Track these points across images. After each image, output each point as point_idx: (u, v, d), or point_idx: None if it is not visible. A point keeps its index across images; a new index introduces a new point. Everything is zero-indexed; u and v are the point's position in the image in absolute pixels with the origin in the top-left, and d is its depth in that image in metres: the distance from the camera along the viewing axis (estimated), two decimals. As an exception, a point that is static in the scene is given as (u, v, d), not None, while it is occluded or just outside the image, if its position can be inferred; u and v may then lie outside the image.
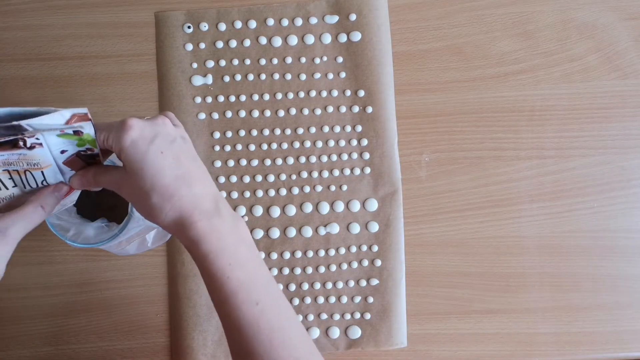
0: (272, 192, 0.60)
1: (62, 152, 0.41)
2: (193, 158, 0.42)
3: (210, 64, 0.61)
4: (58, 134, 0.40)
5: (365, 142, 0.61)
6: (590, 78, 0.62)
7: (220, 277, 0.40)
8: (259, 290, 0.41)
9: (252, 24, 0.61)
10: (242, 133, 0.61)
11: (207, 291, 0.42)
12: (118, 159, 0.41)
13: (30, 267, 0.60)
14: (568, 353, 0.60)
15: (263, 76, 0.61)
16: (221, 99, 0.61)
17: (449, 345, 0.60)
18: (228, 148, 0.61)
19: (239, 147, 0.61)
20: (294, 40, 0.61)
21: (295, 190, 0.61)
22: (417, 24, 0.62)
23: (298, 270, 0.60)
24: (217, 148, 0.61)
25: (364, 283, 0.60)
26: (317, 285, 0.60)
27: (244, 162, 0.61)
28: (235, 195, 0.60)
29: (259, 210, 0.60)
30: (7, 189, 0.43)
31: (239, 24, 0.62)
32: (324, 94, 0.61)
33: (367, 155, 0.61)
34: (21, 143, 0.40)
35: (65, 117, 0.39)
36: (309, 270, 0.60)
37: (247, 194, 0.61)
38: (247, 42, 0.61)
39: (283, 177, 0.61)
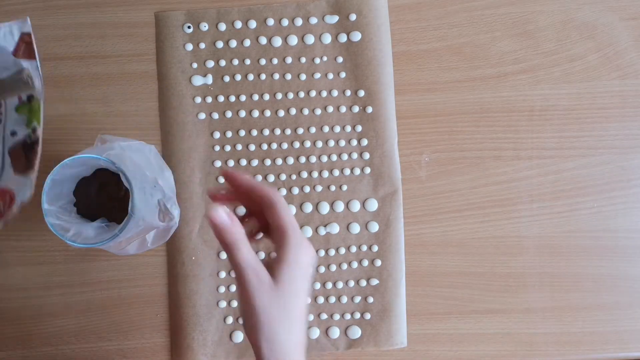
0: (272, 192, 0.60)
1: (12, 134, 0.38)
2: (304, 300, 0.41)
3: (210, 64, 0.61)
4: (16, 105, 0.36)
5: (365, 142, 0.61)
6: (590, 78, 0.62)
7: None
8: None
9: (252, 24, 0.62)
10: (242, 133, 0.61)
11: None
12: (275, 268, 0.39)
13: (30, 267, 0.60)
14: (568, 353, 0.60)
15: (263, 76, 0.61)
16: (221, 99, 0.61)
17: (449, 345, 0.60)
18: (228, 148, 0.61)
19: (239, 147, 0.61)
20: (294, 40, 0.61)
21: (295, 190, 0.61)
22: (417, 24, 0.62)
23: (298, 270, 0.60)
24: (217, 148, 0.61)
25: (364, 283, 0.60)
26: (317, 285, 0.60)
27: (244, 162, 0.61)
28: (235, 195, 0.60)
29: (259, 210, 0.60)
30: None
31: (239, 24, 0.62)
32: (324, 94, 0.61)
33: (367, 155, 0.61)
34: None
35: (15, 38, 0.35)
36: (309, 270, 0.60)
37: (247, 194, 0.61)
38: (247, 42, 0.61)
39: (283, 177, 0.61)
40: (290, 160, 0.61)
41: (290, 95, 0.61)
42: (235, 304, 0.60)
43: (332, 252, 0.60)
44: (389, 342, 0.59)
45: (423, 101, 0.62)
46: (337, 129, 0.61)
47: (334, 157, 0.61)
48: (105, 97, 0.61)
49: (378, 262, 0.60)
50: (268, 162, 0.61)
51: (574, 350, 0.60)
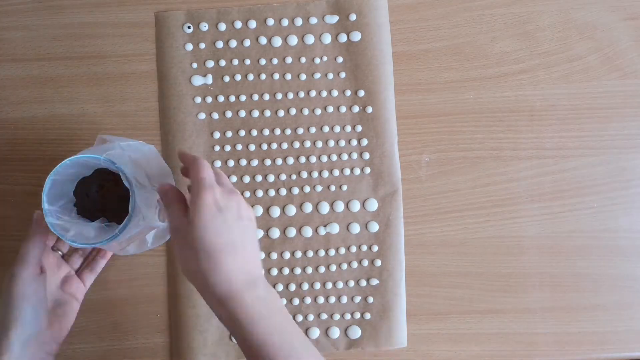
0: (272, 192, 0.61)
1: None
2: (252, 237, 0.46)
3: (210, 64, 0.61)
4: None
5: (365, 142, 0.61)
6: (590, 78, 0.62)
7: (260, 345, 0.43)
8: (297, 354, 0.44)
9: (252, 24, 0.62)
10: (242, 133, 0.61)
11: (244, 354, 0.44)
12: (190, 212, 0.44)
13: (30, 267, 0.60)
14: (568, 353, 0.60)
15: (263, 76, 0.61)
16: (221, 99, 0.61)
17: (449, 345, 0.60)
18: (228, 148, 0.61)
19: (239, 147, 0.61)
20: (294, 40, 0.61)
21: (295, 190, 0.61)
22: (417, 24, 0.62)
23: (298, 270, 0.60)
24: (217, 148, 0.61)
25: (364, 283, 0.60)
26: (317, 285, 0.60)
27: (244, 162, 0.61)
28: (235, 195, 0.60)
29: (259, 210, 0.60)
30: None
31: (239, 24, 0.62)
32: (324, 94, 0.61)
33: (367, 155, 0.61)
34: None
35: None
36: (309, 270, 0.60)
37: (247, 194, 0.61)
38: (247, 42, 0.61)
39: (283, 177, 0.61)
40: (290, 160, 0.61)
41: (290, 95, 0.61)
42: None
43: (332, 252, 0.60)
44: (389, 342, 0.59)
45: (423, 101, 0.62)
46: (337, 129, 0.61)
47: (334, 157, 0.61)
48: (105, 97, 0.61)
49: (378, 262, 0.60)
50: (268, 162, 0.61)
51: (574, 350, 0.60)
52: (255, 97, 0.61)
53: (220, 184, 0.46)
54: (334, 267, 0.60)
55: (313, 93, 0.61)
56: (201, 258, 0.43)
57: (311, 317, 0.60)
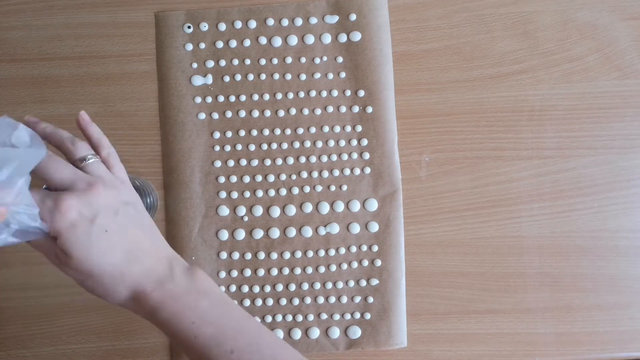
0: (272, 192, 0.61)
1: None
2: (139, 223, 0.41)
3: (210, 64, 0.61)
4: None
5: (365, 142, 0.61)
6: (590, 78, 0.62)
7: (188, 339, 0.39)
8: (231, 338, 0.40)
9: (252, 24, 0.61)
10: (242, 133, 0.61)
11: (184, 354, 0.41)
12: (54, 243, 0.37)
13: (30, 267, 0.60)
14: (568, 353, 0.60)
15: (263, 76, 0.61)
16: (221, 99, 0.61)
17: (449, 345, 0.60)
18: (228, 148, 0.61)
19: (239, 147, 0.61)
20: (294, 40, 0.61)
21: (295, 190, 0.61)
22: (417, 24, 0.62)
23: (298, 270, 0.60)
24: (217, 148, 0.61)
25: (364, 283, 0.60)
26: (317, 285, 0.60)
27: (244, 162, 0.61)
28: (235, 195, 0.60)
29: (259, 210, 0.60)
30: None
31: (239, 24, 0.62)
32: (324, 94, 0.61)
33: (367, 155, 0.61)
34: None
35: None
36: (309, 270, 0.60)
37: (247, 194, 0.61)
38: (247, 42, 0.61)
39: (283, 177, 0.61)
40: (290, 160, 0.61)
41: (290, 95, 0.61)
42: (235, 303, 0.60)
43: (332, 252, 0.60)
44: (389, 342, 0.59)
45: (423, 101, 0.62)
46: (337, 129, 0.61)
47: (334, 157, 0.61)
48: (105, 97, 0.61)
49: (378, 262, 0.60)
50: (268, 162, 0.61)
51: (573, 350, 0.60)
52: (255, 97, 0.61)
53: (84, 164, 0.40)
54: (334, 267, 0.60)
55: (313, 93, 0.61)
56: (95, 284, 0.39)
57: (311, 317, 0.60)
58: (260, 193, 0.60)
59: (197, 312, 0.40)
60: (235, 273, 0.60)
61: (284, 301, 0.60)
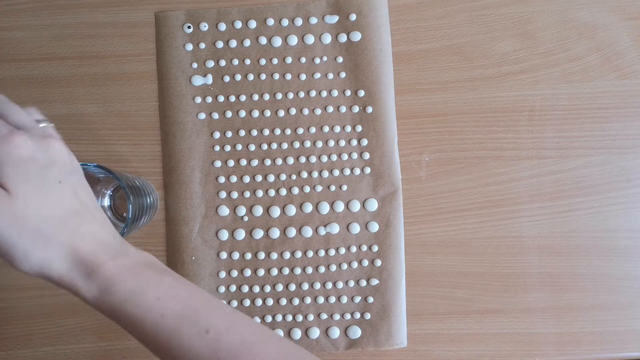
0: (272, 192, 0.61)
1: None
2: (92, 196, 0.35)
3: (210, 64, 0.61)
4: None
5: (365, 142, 0.61)
6: (590, 78, 0.62)
7: (153, 318, 0.33)
8: (204, 316, 0.34)
9: (252, 24, 0.62)
10: (242, 133, 0.61)
11: (142, 344, 0.33)
12: None
13: (30, 267, 0.60)
14: (568, 353, 0.60)
15: (263, 76, 0.61)
16: (221, 99, 0.61)
17: (449, 345, 0.60)
18: (228, 148, 0.61)
19: (239, 147, 0.61)
20: (294, 40, 0.61)
21: (295, 190, 0.61)
22: (417, 24, 0.62)
23: (298, 270, 0.60)
24: (217, 148, 0.61)
25: (364, 283, 0.60)
26: (317, 285, 0.60)
27: (244, 162, 0.61)
28: (235, 195, 0.60)
29: (259, 210, 0.60)
30: None
31: (239, 24, 0.62)
32: (324, 94, 0.61)
33: (367, 155, 0.61)
34: None
35: None
36: (309, 270, 0.60)
37: (247, 194, 0.61)
38: (247, 42, 0.61)
39: (283, 177, 0.61)
40: (290, 160, 0.61)
41: (290, 95, 0.61)
42: (235, 304, 0.60)
43: (332, 252, 0.60)
44: (389, 342, 0.59)
45: (423, 101, 0.62)
46: (337, 129, 0.61)
47: (334, 157, 0.61)
48: (105, 97, 0.61)
49: (378, 262, 0.60)
50: (268, 162, 0.61)
51: (574, 350, 0.60)
52: (255, 97, 0.61)
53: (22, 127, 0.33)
54: (334, 267, 0.60)
55: (313, 93, 0.61)
56: (24, 238, 0.31)
57: (311, 317, 0.60)
58: (260, 193, 0.60)
59: (162, 288, 0.33)
60: (235, 273, 0.60)
61: (284, 301, 0.60)
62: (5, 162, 0.31)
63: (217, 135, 0.61)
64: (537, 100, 0.61)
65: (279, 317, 0.60)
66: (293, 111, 0.61)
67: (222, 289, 0.60)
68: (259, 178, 0.61)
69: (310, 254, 0.60)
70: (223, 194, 0.60)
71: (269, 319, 0.60)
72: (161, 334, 0.33)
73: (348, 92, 0.61)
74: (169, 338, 0.33)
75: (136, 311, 0.33)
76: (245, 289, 0.60)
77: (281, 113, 0.61)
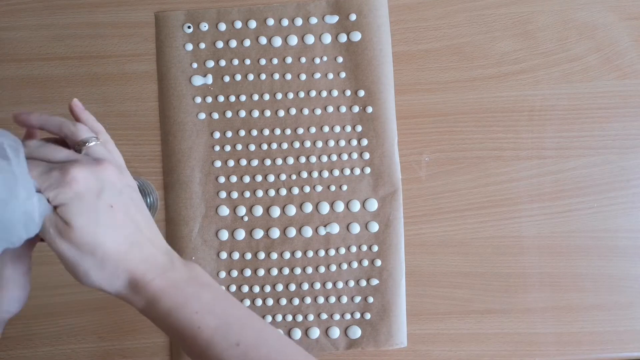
0: (272, 192, 0.61)
1: None
2: (141, 209, 0.39)
3: (210, 64, 0.61)
4: None
5: (365, 142, 0.61)
6: (590, 78, 0.62)
7: (191, 330, 0.38)
8: (236, 331, 0.38)
9: (252, 24, 0.62)
10: (242, 133, 0.61)
11: (183, 350, 0.38)
12: (54, 212, 0.35)
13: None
14: (568, 353, 0.60)
15: (263, 76, 0.61)
16: (221, 99, 0.61)
17: (449, 345, 0.60)
18: (228, 148, 0.61)
19: (239, 147, 0.61)
20: (294, 40, 0.61)
21: (295, 190, 0.61)
22: (417, 24, 0.62)
23: (298, 270, 0.60)
24: (217, 148, 0.61)
25: (364, 283, 0.60)
26: (317, 285, 0.60)
27: (244, 162, 0.61)
28: (235, 195, 0.60)
29: (259, 210, 0.60)
30: None
31: (239, 24, 0.62)
32: (324, 94, 0.61)
33: (367, 155, 0.61)
34: None
35: None
36: (309, 270, 0.60)
37: (247, 194, 0.61)
38: (247, 42, 0.61)
39: (283, 177, 0.61)
40: (290, 160, 0.61)
41: (290, 95, 0.61)
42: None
43: (332, 252, 0.60)
44: (389, 342, 0.59)
45: (423, 101, 0.62)
46: (337, 129, 0.61)
47: (334, 157, 0.61)
48: (105, 97, 0.61)
49: (378, 262, 0.60)
50: (268, 162, 0.61)
51: (574, 350, 0.60)
52: (255, 97, 0.61)
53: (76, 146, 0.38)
54: (334, 267, 0.60)
55: (313, 93, 0.61)
56: (91, 265, 0.36)
57: (311, 317, 0.60)
58: (260, 193, 0.60)
59: (201, 303, 0.38)
60: (235, 273, 0.60)
61: (284, 301, 0.60)
62: (63, 202, 0.35)
63: (217, 135, 0.61)
64: (537, 100, 0.61)
65: (279, 317, 0.60)
66: (293, 111, 0.61)
67: (222, 289, 0.60)
68: (259, 178, 0.61)
69: (310, 254, 0.60)
70: (223, 194, 0.60)
71: (269, 319, 0.60)
72: (198, 344, 0.38)
73: (348, 92, 0.61)
74: (204, 348, 0.38)
75: (177, 323, 0.38)
76: (245, 289, 0.60)
77: (281, 113, 0.61)
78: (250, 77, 0.61)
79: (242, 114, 0.61)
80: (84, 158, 0.38)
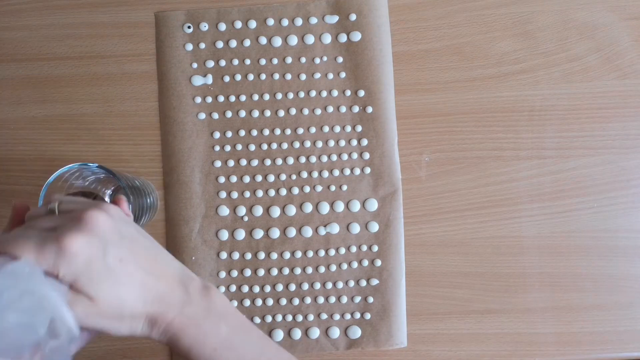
0: (272, 192, 0.61)
1: None
2: (143, 244, 0.38)
3: (210, 64, 0.61)
4: None
5: (365, 142, 0.61)
6: (590, 78, 0.62)
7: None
8: None
9: (252, 24, 0.62)
10: (242, 133, 0.61)
11: None
12: (71, 291, 0.33)
13: (30, 267, 0.60)
14: (568, 353, 0.60)
15: (263, 76, 0.61)
16: (221, 99, 0.61)
17: (449, 345, 0.60)
18: (228, 148, 0.61)
19: (239, 147, 0.61)
20: (294, 40, 0.61)
21: (295, 190, 0.61)
22: (417, 24, 0.62)
23: (298, 270, 0.60)
24: (217, 148, 0.61)
25: (364, 283, 0.60)
26: (317, 285, 0.60)
27: (244, 162, 0.61)
28: (235, 195, 0.60)
29: (259, 210, 0.60)
30: None
31: (239, 24, 0.62)
32: (324, 94, 0.61)
33: (367, 155, 0.61)
34: None
35: None
36: (309, 270, 0.60)
37: (247, 194, 0.61)
38: (247, 42, 0.61)
39: (283, 177, 0.61)
40: (290, 160, 0.61)
41: (290, 95, 0.61)
42: (235, 304, 0.60)
43: (332, 252, 0.60)
44: (389, 342, 0.59)
45: (423, 101, 0.62)
46: (337, 129, 0.61)
47: (334, 157, 0.61)
48: (105, 97, 0.61)
49: (378, 262, 0.60)
50: (268, 162, 0.61)
51: (574, 350, 0.60)
52: (255, 97, 0.61)
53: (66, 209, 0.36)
54: (334, 267, 0.60)
55: (313, 93, 0.61)
56: (127, 318, 0.36)
57: (311, 317, 0.60)
58: (260, 193, 0.60)
59: (219, 339, 0.40)
60: (235, 273, 0.60)
61: (284, 301, 0.60)
62: (76, 276, 0.33)
63: (217, 135, 0.61)
64: (537, 100, 0.61)
65: (279, 317, 0.60)
66: (293, 111, 0.61)
67: (222, 289, 0.60)
68: (259, 178, 0.61)
69: (310, 254, 0.60)
70: (223, 194, 0.60)
71: (269, 319, 0.60)
72: None
73: (348, 92, 0.61)
74: None
75: (198, 359, 0.39)
76: (245, 289, 0.60)
77: (281, 113, 0.61)
78: (250, 77, 0.61)
79: (242, 114, 0.61)
80: (65, 219, 0.35)
